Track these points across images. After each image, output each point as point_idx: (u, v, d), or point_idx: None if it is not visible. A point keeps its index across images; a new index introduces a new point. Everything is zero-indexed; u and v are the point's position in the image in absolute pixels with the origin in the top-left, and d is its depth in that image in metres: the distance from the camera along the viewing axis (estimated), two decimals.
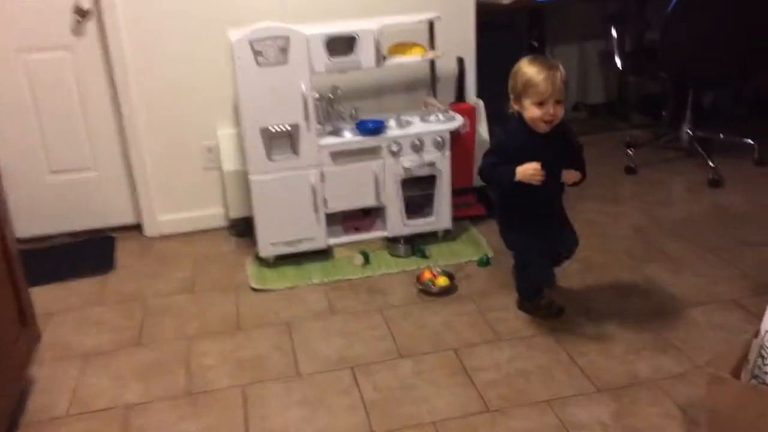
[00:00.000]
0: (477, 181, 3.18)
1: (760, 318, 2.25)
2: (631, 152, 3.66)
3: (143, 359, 2.30)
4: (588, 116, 4.49)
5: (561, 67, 2.12)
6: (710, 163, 3.43)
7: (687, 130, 3.68)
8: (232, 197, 3.06)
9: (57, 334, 2.46)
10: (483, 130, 3.16)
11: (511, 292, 2.55)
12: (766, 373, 1.62)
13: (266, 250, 2.82)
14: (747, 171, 3.48)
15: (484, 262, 2.78)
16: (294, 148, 2.71)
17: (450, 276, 2.63)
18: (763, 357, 1.63)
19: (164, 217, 3.20)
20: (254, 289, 2.69)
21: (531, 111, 2.13)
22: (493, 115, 3.20)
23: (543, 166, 2.13)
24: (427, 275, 2.64)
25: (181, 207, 3.19)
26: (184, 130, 3.08)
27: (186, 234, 3.21)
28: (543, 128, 2.15)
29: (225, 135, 3.08)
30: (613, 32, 3.73)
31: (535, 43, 4.08)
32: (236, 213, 3.09)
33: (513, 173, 2.15)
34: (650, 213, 3.13)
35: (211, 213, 3.21)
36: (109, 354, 2.34)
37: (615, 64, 3.82)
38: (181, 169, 3.13)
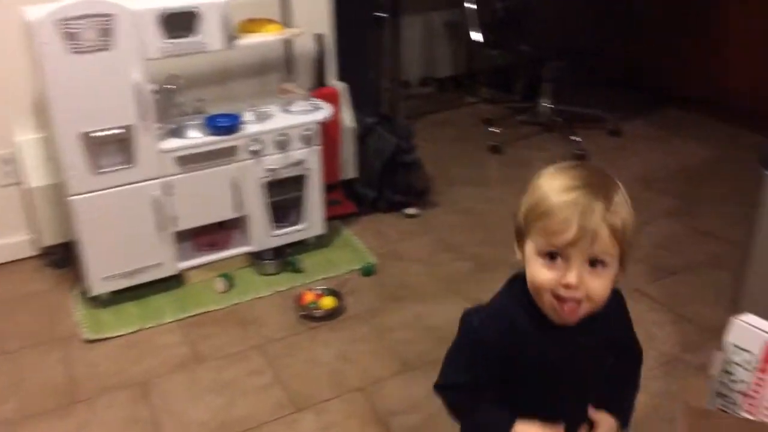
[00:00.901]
0: (344, 175, 2.83)
1: (665, 305, 2.18)
2: (494, 130, 3.49)
3: None
4: (437, 91, 4.30)
5: (617, 191, 1.01)
6: (573, 138, 3.35)
7: (546, 104, 3.59)
8: (45, 219, 2.41)
9: None
10: (347, 117, 2.79)
11: (408, 304, 2.25)
12: (733, 390, 1.46)
13: (98, 286, 2.23)
14: (604, 142, 3.46)
15: (369, 271, 2.44)
16: (128, 156, 2.15)
17: (336, 294, 2.26)
18: (728, 373, 1.46)
19: None
20: (88, 341, 2.11)
21: (533, 269, 1.02)
22: (355, 99, 2.84)
23: (566, 391, 1.10)
24: (308, 297, 2.24)
25: None
26: None
27: None
28: (560, 316, 1.02)
29: (26, 142, 2.40)
30: (470, 4, 3.50)
31: (383, 15, 3.75)
32: (51, 239, 2.44)
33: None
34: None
35: (14, 241, 2.51)
36: None
37: (464, 35, 3.61)
38: None
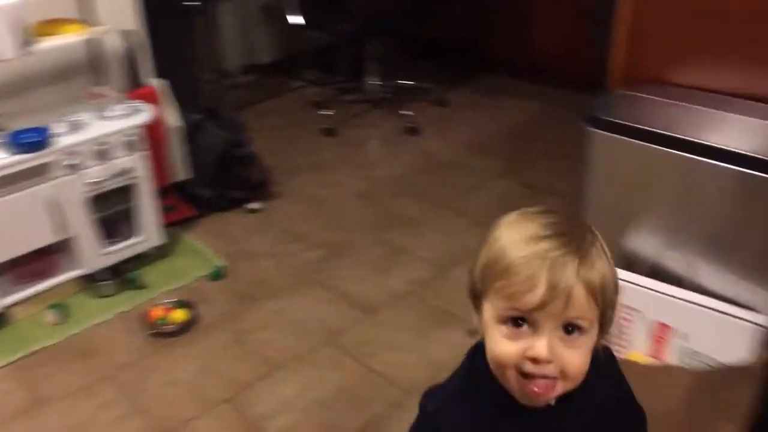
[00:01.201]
0: (176, 177, 2.66)
1: None
2: (324, 112, 3.46)
3: None
4: (260, 78, 4.18)
5: (594, 241, 0.83)
6: (403, 112, 3.41)
7: (372, 82, 3.61)
8: None
9: None
10: (172, 116, 2.61)
11: (265, 302, 2.17)
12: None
13: None
14: (433, 113, 3.55)
15: (218, 275, 2.32)
16: None
17: (186, 305, 2.12)
18: None
19: None
20: None
21: (493, 340, 0.82)
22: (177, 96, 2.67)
23: None
24: (156, 313, 2.08)
25: None
26: None
27: None
28: (529, 398, 0.82)
29: None
30: None
31: (194, 3, 3.56)
32: None
33: None
34: (368, 176, 2.98)
35: None
36: None
37: (283, 18, 3.53)
38: None
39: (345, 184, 2.91)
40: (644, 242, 1.53)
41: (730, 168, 1.31)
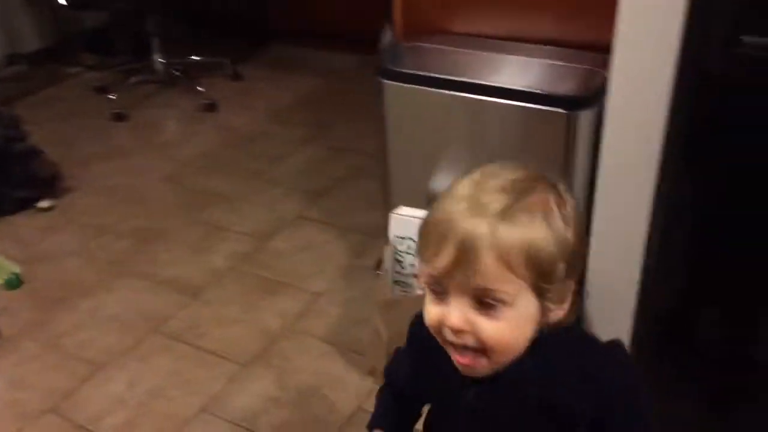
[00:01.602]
0: None
1: (330, 224, 2.35)
2: (111, 97, 3.24)
3: None
4: (28, 68, 3.79)
5: (538, 202, 0.74)
6: (198, 88, 3.29)
7: (159, 60, 3.44)
8: None
9: None
10: None
11: (76, 302, 2.02)
12: (404, 275, 1.65)
13: None
14: (228, 88, 3.47)
15: (14, 284, 2.11)
16: None
17: None
18: (399, 261, 1.65)
19: None
20: None
21: (425, 304, 0.79)
22: None
23: None
24: None
25: None
26: None
27: None
28: (458, 362, 0.77)
29: None
30: None
31: None
32: None
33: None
34: (169, 158, 2.85)
35: None
36: None
37: (46, 1, 3.24)
38: None
39: (146, 168, 2.77)
40: (447, 182, 1.65)
41: (510, 104, 1.45)
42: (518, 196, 0.72)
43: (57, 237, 2.35)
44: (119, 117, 3.19)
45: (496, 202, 0.71)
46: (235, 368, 1.77)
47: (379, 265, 1.77)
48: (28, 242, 2.33)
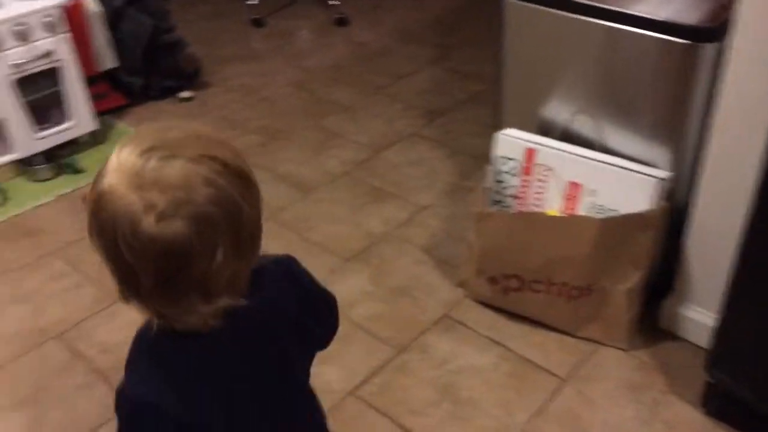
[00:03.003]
0: (103, 65, 2.62)
1: (443, 144, 2.43)
2: (252, 2, 3.41)
3: None
4: None
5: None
6: (333, 2, 3.39)
7: None
8: None
9: None
10: (90, 1, 2.53)
11: None
12: (505, 195, 1.71)
13: None
14: (361, 4, 3.54)
15: None
16: None
17: None
18: (499, 182, 1.71)
19: None
20: None
21: None
22: None
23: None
24: None
25: None
26: None
27: None
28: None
29: None
30: None
31: None
32: None
33: None
34: (299, 65, 3.00)
35: None
36: None
37: None
38: None
39: (277, 73, 2.93)
40: (558, 109, 1.67)
41: (641, 33, 1.44)
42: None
43: (193, 124, 2.57)
44: (257, 23, 3.36)
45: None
46: (337, 261, 1.92)
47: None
48: None
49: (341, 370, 1.59)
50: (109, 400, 1.52)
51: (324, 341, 0.95)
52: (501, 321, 1.70)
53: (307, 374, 0.91)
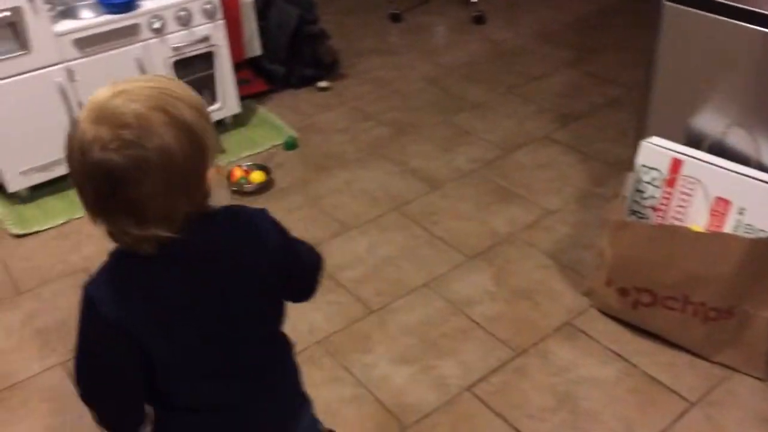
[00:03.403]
0: (250, 52, 2.76)
1: (575, 149, 2.36)
2: None
3: None
4: None
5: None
6: (471, 0, 3.39)
7: None
8: None
9: None
10: None
11: (336, 172, 2.31)
12: (644, 206, 1.64)
13: (16, 182, 2.14)
14: (500, 2, 3.51)
15: (291, 145, 2.45)
16: (20, 42, 2.00)
17: (264, 169, 2.27)
18: (640, 191, 1.64)
19: None
20: (17, 236, 2.06)
21: None
22: None
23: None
24: (237, 173, 2.24)
25: None
26: None
27: None
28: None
29: None
30: None
31: None
32: None
33: None
34: (434, 61, 3.02)
35: None
36: None
37: None
38: None
39: (411, 68, 2.97)
40: (710, 120, 1.58)
41: None
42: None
43: (329, 114, 2.66)
44: (395, 18, 3.42)
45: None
46: (460, 257, 1.92)
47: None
48: (306, 114, 2.66)
49: (458, 365, 1.59)
50: None
51: (296, 296, 1.00)
52: (627, 335, 1.64)
53: (270, 322, 0.97)
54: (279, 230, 0.95)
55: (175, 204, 0.80)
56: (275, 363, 1.00)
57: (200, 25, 2.31)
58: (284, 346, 1.02)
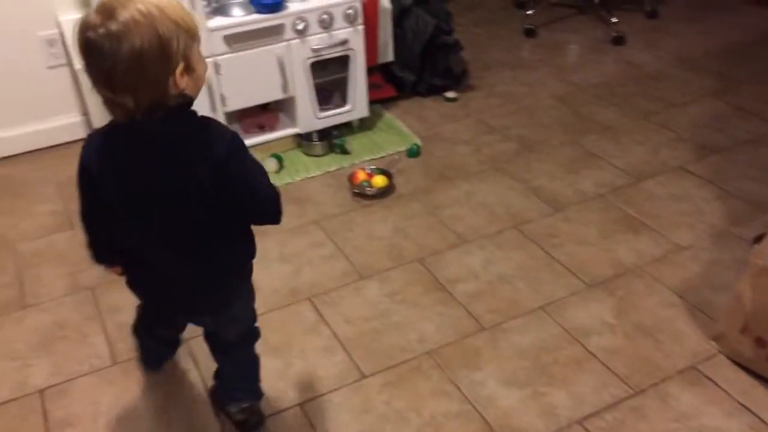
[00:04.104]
0: (383, 58, 2.80)
1: (713, 183, 2.23)
2: (529, 13, 3.41)
3: (38, 325, 1.78)
4: None
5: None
6: (611, 19, 3.28)
7: None
8: (93, 100, 2.42)
9: None
10: None
11: (457, 183, 2.30)
12: None
13: None
14: (641, 24, 3.39)
15: (414, 153, 2.47)
16: None
17: (387, 174, 2.30)
18: None
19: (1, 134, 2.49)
20: None
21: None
22: None
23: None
24: (361, 176, 2.28)
25: (23, 119, 2.49)
26: (9, 19, 2.32)
27: (35, 153, 2.53)
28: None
29: (71, 22, 2.36)
30: None
31: None
32: (102, 121, 2.46)
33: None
34: (566, 79, 2.95)
35: (66, 123, 2.54)
36: None
37: None
38: (15, 69, 2.40)
39: (542, 84, 2.91)
40: None
41: None
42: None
43: (454, 125, 2.65)
44: (529, 32, 3.36)
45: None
46: (580, 284, 1.85)
47: (759, 239, 1.65)
48: (431, 123, 2.67)
49: (569, 396, 1.54)
50: (344, 367, 1.62)
51: (252, 216, 1.21)
52: (759, 388, 1.52)
53: (201, 224, 1.17)
54: (232, 147, 1.11)
55: (136, 85, 1.03)
56: (195, 258, 1.21)
57: (340, 29, 2.37)
58: (222, 242, 1.21)
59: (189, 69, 1.07)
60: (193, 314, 1.37)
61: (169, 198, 1.13)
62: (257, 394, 1.49)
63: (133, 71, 1.01)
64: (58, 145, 2.55)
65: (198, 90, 1.12)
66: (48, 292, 1.89)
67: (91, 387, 1.61)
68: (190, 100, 1.11)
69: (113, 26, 0.99)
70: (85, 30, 1.01)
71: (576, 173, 2.33)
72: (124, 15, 0.99)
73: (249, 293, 1.38)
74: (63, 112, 2.52)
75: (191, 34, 1.06)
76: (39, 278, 1.94)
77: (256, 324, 1.44)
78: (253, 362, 1.47)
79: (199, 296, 1.27)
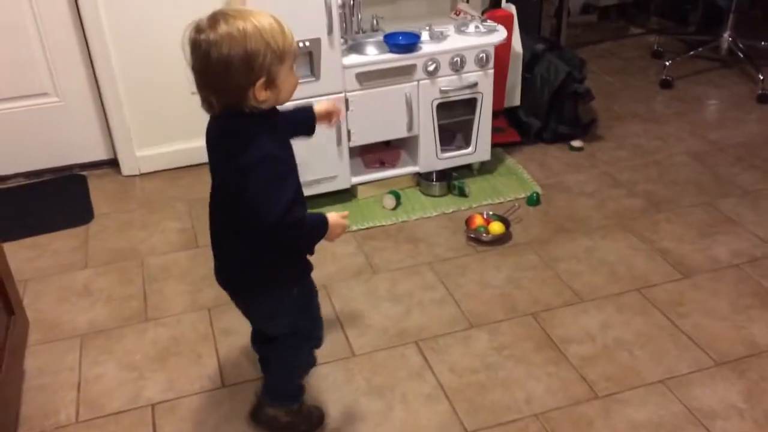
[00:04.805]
0: (509, 102, 2.77)
1: None
2: (666, 63, 3.27)
3: (157, 339, 1.87)
4: (598, 19, 4.07)
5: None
6: (759, 75, 3.09)
7: (728, 38, 3.31)
8: None
9: (38, 309, 1.99)
10: (516, 42, 2.70)
11: (576, 237, 2.21)
12: None
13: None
14: None
15: (534, 201, 2.41)
16: (313, 69, 2.21)
17: (504, 221, 2.25)
18: None
19: (144, 152, 2.66)
20: None
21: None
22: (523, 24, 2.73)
23: None
24: (478, 221, 2.25)
25: (165, 138, 2.66)
26: (162, 46, 2.50)
27: (172, 171, 2.69)
28: None
29: None
30: None
31: None
32: None
33: (324, 224, 1.35)
34: (702, 135, 2.79)
35: (202, 145, 2.68)
36: (111, 333, 1.90)
37: None
38: (162, 93, 2.57)
39: (676, 140, 2.77)
40: None
41: None
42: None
43: (578, 175, 2.57)
44: (666, 84, 3.22)
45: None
46: (707, 361, 1.72)
47: None
48: (554, 171, 2.60)
49: None
50: (446, 418, 1.58)
51: (248, 218, 1.26)
52: None
53: (224, 209, 1.34)
54: (249, 157, 1.21)
55: (219, 87, 1.19)
56: (222, 238, 1.39)
57: (471, 71, 2.37)
58: (238, 238, 1.34)
59: (271, 84, 1.19)
60: (227, 289, 1.45)
61: (214, 179, 1.33)
62: (275, 396, 1.54)
63: (218, 75, 1.16)
64: (194, 165, 2.69)
65: (278, 104, 1.26)
66: (169, 307, 1.98)
67: (200, 407, 1.66)
68: (262, 111, 1.23)
69: (212, 35, 1.15)
70: (193, 31, 1.18)
71: (709, 238, 2.18)
72: (223, 28, 1.15)
73: (291, 301, 1.42)
74: (199, 135, 2.66)
75: (278, 54, 1.18)
76: (162, 293, 2.04)
77: (301, 335, 1.49)
78: (282, 364, 1.53)
79: (224, 273, 1.42)
